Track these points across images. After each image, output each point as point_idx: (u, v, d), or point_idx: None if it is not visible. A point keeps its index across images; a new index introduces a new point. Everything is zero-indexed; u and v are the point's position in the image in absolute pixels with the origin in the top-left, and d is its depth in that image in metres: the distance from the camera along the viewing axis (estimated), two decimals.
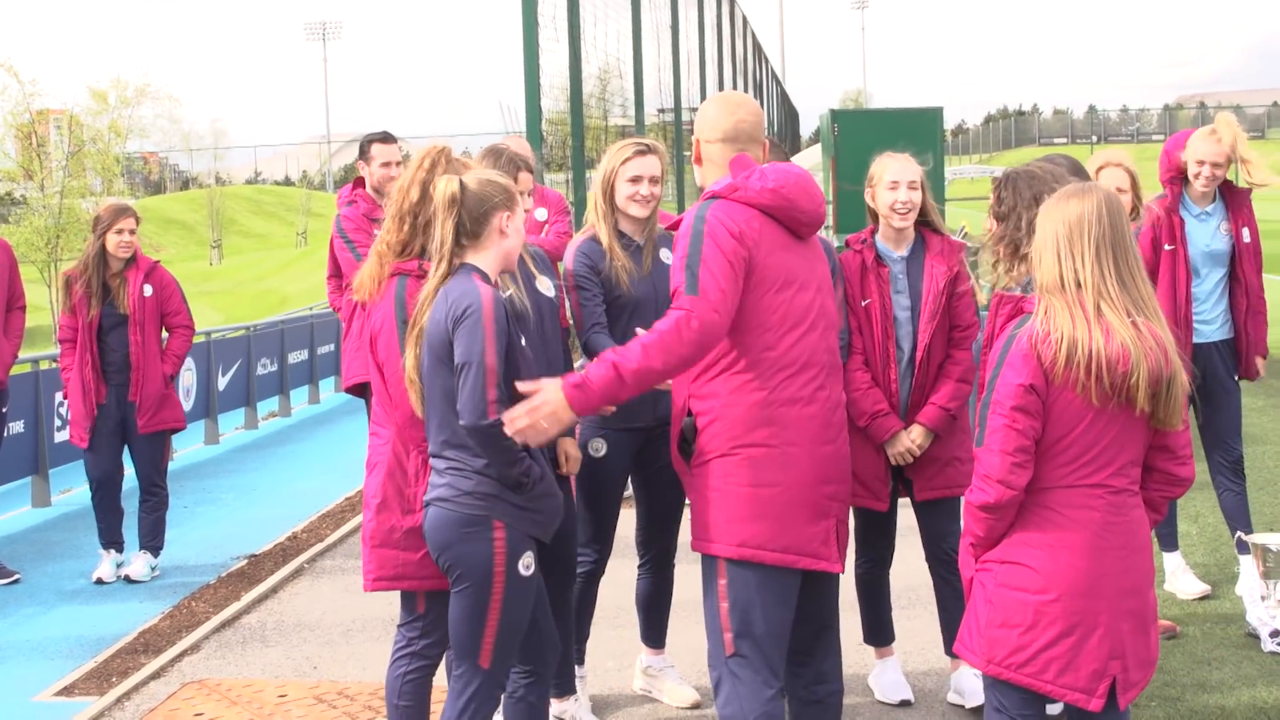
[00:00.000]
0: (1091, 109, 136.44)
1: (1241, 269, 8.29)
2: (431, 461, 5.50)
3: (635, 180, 6.73)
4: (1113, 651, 4.74)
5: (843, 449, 5.34)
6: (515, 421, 5.03)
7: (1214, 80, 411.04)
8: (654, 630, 7.18)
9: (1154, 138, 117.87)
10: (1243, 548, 8.26)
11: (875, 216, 6.80)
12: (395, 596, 5.93)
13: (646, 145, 6.78)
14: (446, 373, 5.33)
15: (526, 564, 5.44)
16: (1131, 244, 4.79)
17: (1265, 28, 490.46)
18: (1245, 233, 8.33)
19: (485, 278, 5.44)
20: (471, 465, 5.36)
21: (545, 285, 6.15)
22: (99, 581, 10.64)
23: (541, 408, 5.01)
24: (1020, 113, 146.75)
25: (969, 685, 6.87)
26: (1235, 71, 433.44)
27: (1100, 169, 7.75)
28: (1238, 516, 8.50)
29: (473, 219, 5.44)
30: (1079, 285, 4.73)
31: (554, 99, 13.18)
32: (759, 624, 5.25)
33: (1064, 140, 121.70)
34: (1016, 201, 5.57)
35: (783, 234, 5.25)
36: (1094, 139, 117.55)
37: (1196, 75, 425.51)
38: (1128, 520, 4.78)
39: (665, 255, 6.71)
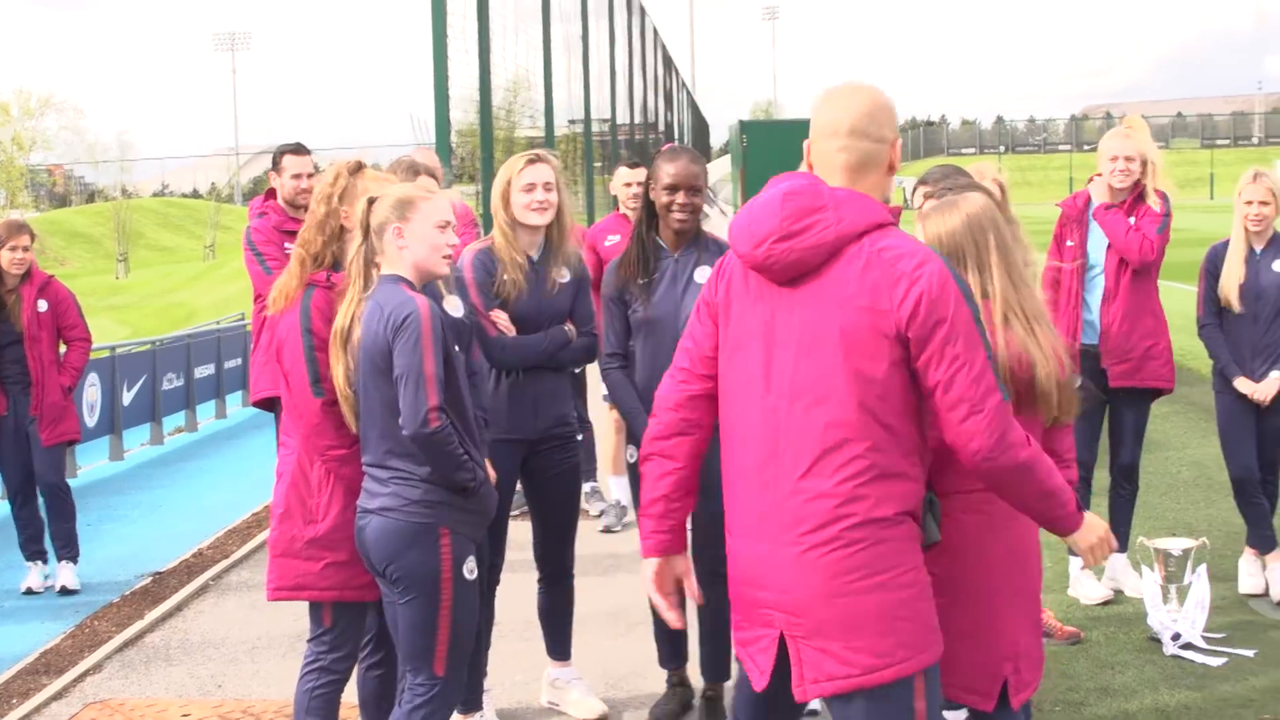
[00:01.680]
0: (999, 119, 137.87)
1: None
2: (371, 472, 5.47)
3: (529, 188, 6.74)
4: (1009, 653, 4.78)
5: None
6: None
7: (1122, 91, 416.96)
8: (558, 643, 7.15)
9: (1060, 148, 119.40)
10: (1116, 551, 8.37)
11: None
12: (301, 611, 5.89)
13: (537, 154, 6.84)
14: (386, 383, 5.33)
15: (470, 568, 5.48)
16: (1016, 246, 4.88)
17: (1172, 40, 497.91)
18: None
19: (412, 286, 5.46)
20: (417, 474, 5.37)
21: (453, 305, 6.12)
22: (29, 591, 10.70)
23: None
24: (929, 123, 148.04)
25: None
26: (1142, 83, 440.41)
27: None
28: (1120, 520, 8.71)
29: (376, 234, 5.49)
30: (985, 296, 4.79)
31: (464, 111, 13.15)
32: None
33: (972, 150, 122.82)
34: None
35: (759, 280, 4.34)
36: (1001, 149, 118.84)
37: (1104, 86, 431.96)
38: (1022, 521, 4.65)
39: (700, 274, 6.60)
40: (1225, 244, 8.60)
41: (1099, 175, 8.51)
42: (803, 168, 4.45)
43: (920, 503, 4.28)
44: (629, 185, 10.24)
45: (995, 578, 4.76)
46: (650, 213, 6.70)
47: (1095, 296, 8.45)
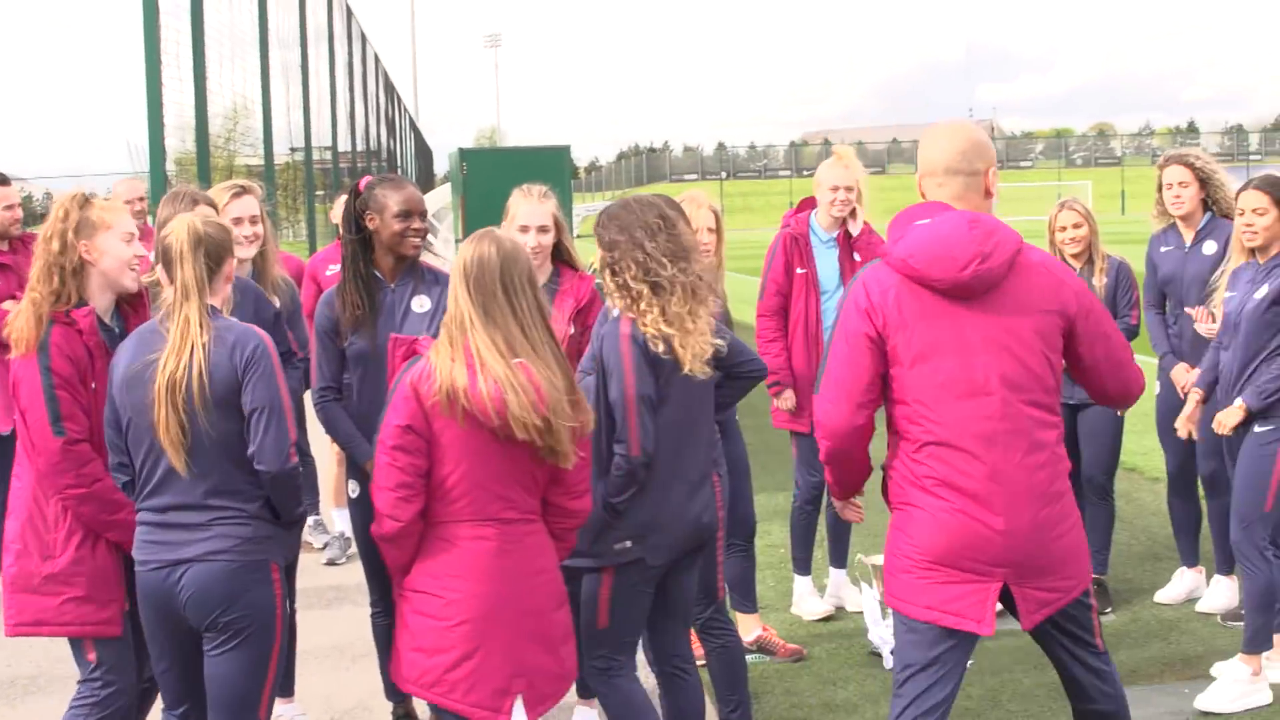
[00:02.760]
0: (721, 145, 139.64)
1: None
2: (174, 518, 5.18)
3: (236, 223, 6.72)
4: (515, 670, 5.05)
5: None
6: None
7: (840, 118, 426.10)
8: (283, 677, 7.00)
9: (780, 173, 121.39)
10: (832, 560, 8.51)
11: None
12: (45, 652, 5.70)
13: (241, 187, 6.76)
14: (226, 418, 5.15)
15: (290, 605, 5.44)
16: (521, 288, 5.09)
17: (887, 69, 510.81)
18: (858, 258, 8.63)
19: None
20: (247, 510, 5.21)
21: None
22: None
23: None
24: (652, 150, 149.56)
25: None
26: (859, 109, 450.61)
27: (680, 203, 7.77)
28: (837, 537, 8.90)
29: (215, 261, 5.31)
30: (466, 326, 5.03)
31: (181, 138, 12.91)
32: None
33: (694, 176, 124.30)
34: (611, 234, 5.68)
35: (933, 298, 5.00)
36: (723, 175, 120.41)
37: (823, 113, 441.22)
38: (524, 548, 5.09)
39: (418, 303, 6.54)
40: None
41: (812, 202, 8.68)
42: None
43: None
44: None
45: (501, 599, 5.10)
46: (364, 243, 6.58)
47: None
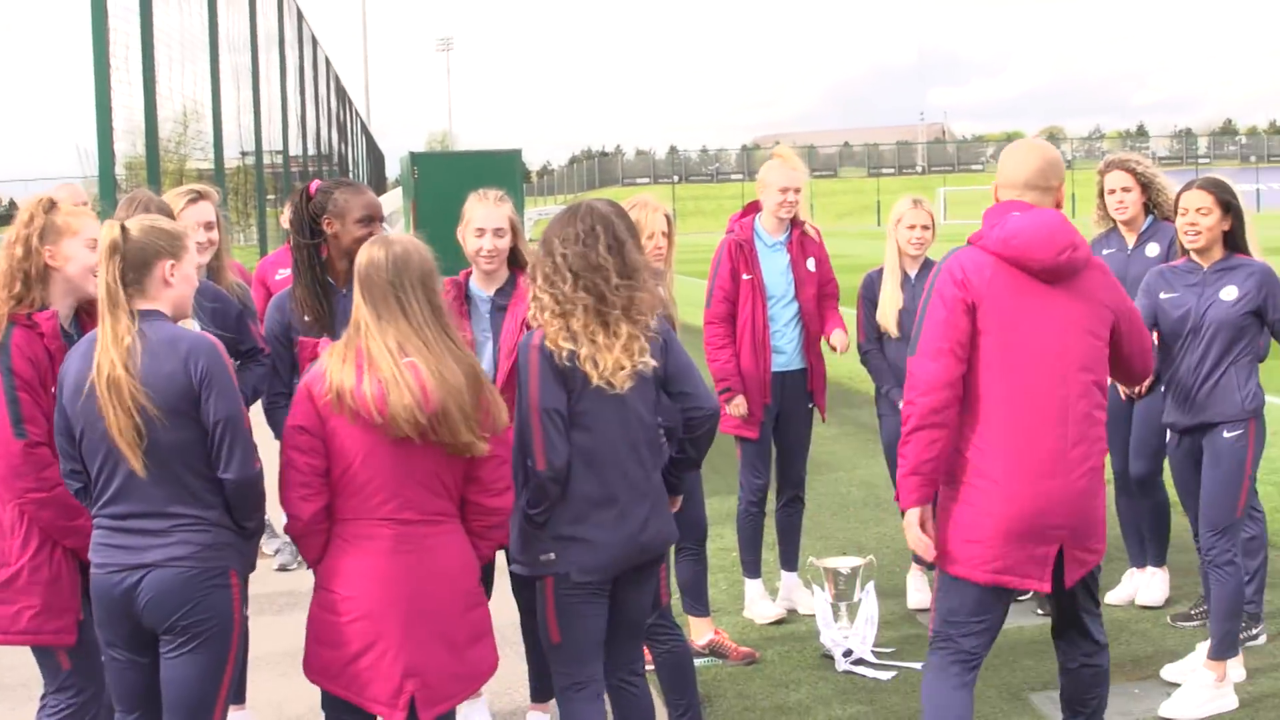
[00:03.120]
0: (673, 149, 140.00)
1: (800, 295, 8.58)
2: (133, 524, 5.14)
3: (191, 229, 6.65)
4: (408, 670, 5.19)
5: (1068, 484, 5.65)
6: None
7: (792, 121, 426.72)
8: (235, 684, 6.98)
9: (733, 177, 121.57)
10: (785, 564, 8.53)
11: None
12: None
13: (197, 192, 6.71)
14: (181, 427, 5.10)
15: (248, 611, 5.38)
16: (412, 288, 5.24)
17: (839, 73, 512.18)
18: (810, 262, 8.64)
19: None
20: (207, 518, 5.17)
21: (189, 327, 6.04)
22: None
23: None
24: (604, 154, 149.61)
25: None
26: (811, 113, 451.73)
27: (630, 208, 7.69)
28: (788, 540, 8.96)
29: (134, 266, 5.19)
30: (360, 328, 5.21)
31: (131, 142, 12.85)
32: None
33: (646, 180, 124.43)
34: (540, 241, 5.69)
35: (1024, 279, 5.61)
36: (675, 178, 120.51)
37: (775, 116, 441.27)
38: (423, 549, 5.22)
39: None
40: (879, 272, 8.85)
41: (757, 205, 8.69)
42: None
43: None
44: None
45: (395, 598, 5.25)
46: (317, 247, 6.55)
47: (785, 325, 8.62)
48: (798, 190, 8.55)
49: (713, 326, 8.51)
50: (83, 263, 5.56)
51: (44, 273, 5.52)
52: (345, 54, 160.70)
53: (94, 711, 5.62)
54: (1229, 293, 7.19)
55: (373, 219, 6.45)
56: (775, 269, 8.58)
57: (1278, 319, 7.20)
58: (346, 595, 5.22)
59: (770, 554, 9.35)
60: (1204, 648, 7.39)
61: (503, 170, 12.89)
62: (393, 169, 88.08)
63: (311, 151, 32.18)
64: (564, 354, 5.43)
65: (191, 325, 6.04)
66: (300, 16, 30.55)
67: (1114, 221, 8.69)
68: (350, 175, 45.63)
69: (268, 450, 5.36)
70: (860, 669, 7.83)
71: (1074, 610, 5.94)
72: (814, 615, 8.31)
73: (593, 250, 5.51)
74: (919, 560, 9.01)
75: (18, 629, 5.50)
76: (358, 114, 57.26)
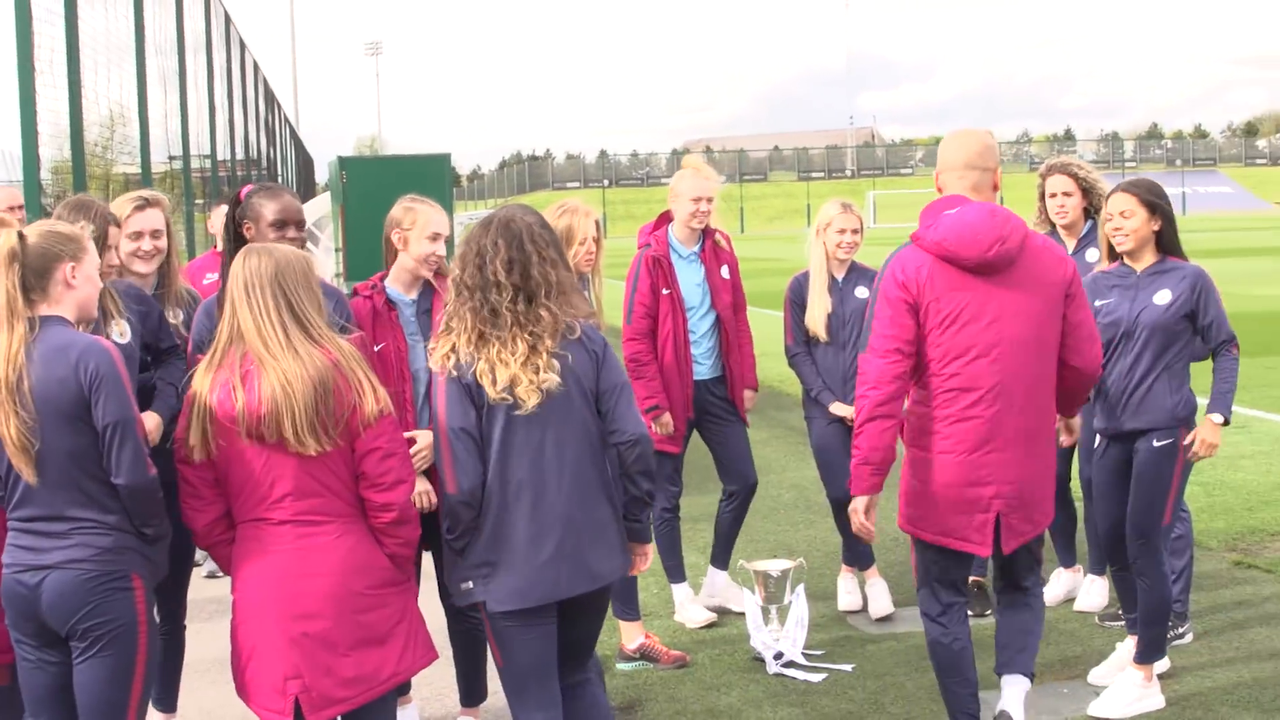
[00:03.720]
0: (603, 153, 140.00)
1: (717, 304, 8.58)
2: (36, 526, 5.18)
3: (136, 236, 6.68)
4: (288, 673, 5.19)
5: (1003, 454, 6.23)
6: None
7: (722, 125, 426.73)
8: (166, 693, 6.96)
9: (663, 181, 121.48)
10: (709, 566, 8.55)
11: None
12: None
13: (145, 199, 6.66)
14: (75, 432, 5.11)
15: (155, 615, 5.36)
16: (268, 293, 5.28)
17: (770, 77, 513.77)
18: (724, 270, 8.65)
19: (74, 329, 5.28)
20: (106, 521, 5.19)
21: (121, 331, 6.00)
22: None
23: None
24: (534, 157, 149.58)
25: None
26: (743, 117, 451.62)
27: (560, 214, 7.67)
28: (728, 539, 8.98)
29: (35, 272, 5.21)
30: (220, 338, 5.32)
31: (57, 147, 12.72)
32: None
33: (576, 184, 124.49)
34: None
35: (962, 274, 6.13)
36: (605, 182, 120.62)
37: (707, 121, 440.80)
38: (300, 549, 5.21)
39: None
40: (806, 275, 8.86)
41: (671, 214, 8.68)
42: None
43: None
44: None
45: (271, 600, 5.31)
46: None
47: (703, 336, 8.63)
48: (710, 200, 8.52)
49: (635, 343, 8.43)
50: None
51: None
52: (274, 58, 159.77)
53: None
54: (1162, 296, 7.18)
55: (285, 223, 6.32)
56: (691, 281, 8.58)
57: (1209, 323, 7.20)
58: (237, 599, 5.31)
59: (701, 557, 9.39)
60: (1124, 648, 7.46)
61: (432, 174, 12.82)
62: (322, 173, 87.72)
63: (240, 156, 31.97)
64: (456, 369, 5.40)
65: (123, 327, 6.10)
66: (228, 19, 30.34)
67: (1053, 225, 8.74)
68: (280, 180, 45.37)
69: None
70: (791, 671, 7.86)
71: (1013, 572, 6.55)
72: (746, 614, 8.32)
73: (490, 265, 5.44)
74: (849, 562, 9.05)
75: None
76: (287, 118, 56.96)
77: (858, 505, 6.27)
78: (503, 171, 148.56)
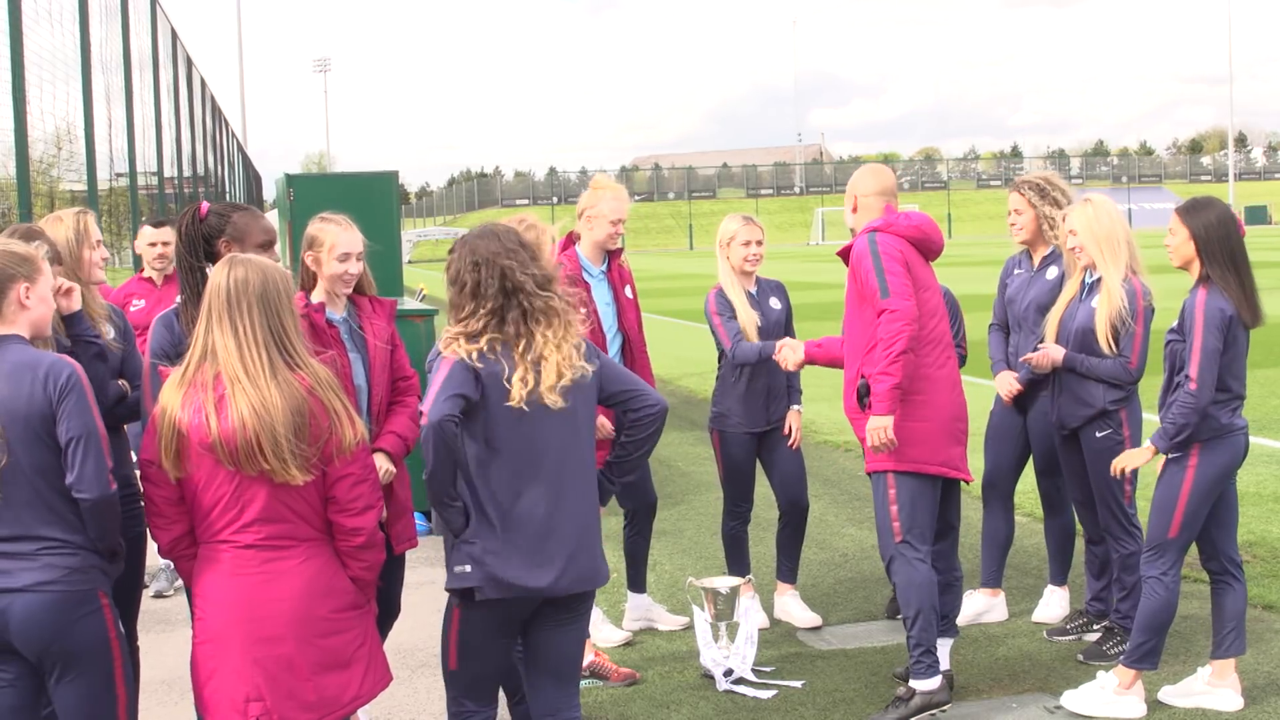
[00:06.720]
0: (552, 170, 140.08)
1: (624, 324, 8.58)
2: (3, 548, 5.11)
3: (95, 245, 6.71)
4: (250, 694, 5.17)
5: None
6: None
7: (674, 143, 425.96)
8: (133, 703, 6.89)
9: None
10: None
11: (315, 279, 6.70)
12: None
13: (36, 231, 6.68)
14: (41, 449, 5.09)
15: (122, 627, 5.34)
16: (249, 311, 5.21)
17: (720, 95, 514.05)
18: (628, 289, 8.65)
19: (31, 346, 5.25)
20: (74, 540, 5.16)
21: (106, 331, 5.98)
22: None
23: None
24: (483, 175, 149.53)
25: None
26: (694, 135, 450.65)
27: (525, 228, 7.66)
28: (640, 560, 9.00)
29: None
30: (190, 359, 5.25)
31: (1, 164, 12.67)
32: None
33: (526, 201, 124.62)
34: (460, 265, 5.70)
35: (918, 254, 7.48)
36: (555, 200, 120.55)
37: (657, 138, 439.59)
38: (265, 573, 5.20)
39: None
40: (720, 289, 8.94)
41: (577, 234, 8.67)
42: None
43: None
44: (154, 245, 10.06)
45: (234, 622, 5.28)
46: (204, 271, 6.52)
47: (613, 357, 8.56)
48: (624, 220, 8.60)
49: None
50: None
51: None
52: (221, 75, 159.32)
53: None
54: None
55: (271, 244, 6.45)
56: (602, 301, 8.56)
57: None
58: (198, 618, 5.28)
59: (649, 574, 9.38)
60: (1104, 677, 7.45)
61: (379, 192, 12.72)
62: (270, 191, 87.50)
63: (187, 173, 31.87)
64: (480, 361, 5.47)
65: (109, 330, 6.22)
66: (175, 36, 30.25)
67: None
68: (228, 197, 45.24)
69: None
70: (741, 688, 7.85)
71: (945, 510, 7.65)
72: (679, 630, 8.30)
73: (512, 275, 5.60)
74: (784, 580, 9.06)
75: None
76: (234, 135, 56.80)
77: (887, 423, 7.14)
78: (451, 189, 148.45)
